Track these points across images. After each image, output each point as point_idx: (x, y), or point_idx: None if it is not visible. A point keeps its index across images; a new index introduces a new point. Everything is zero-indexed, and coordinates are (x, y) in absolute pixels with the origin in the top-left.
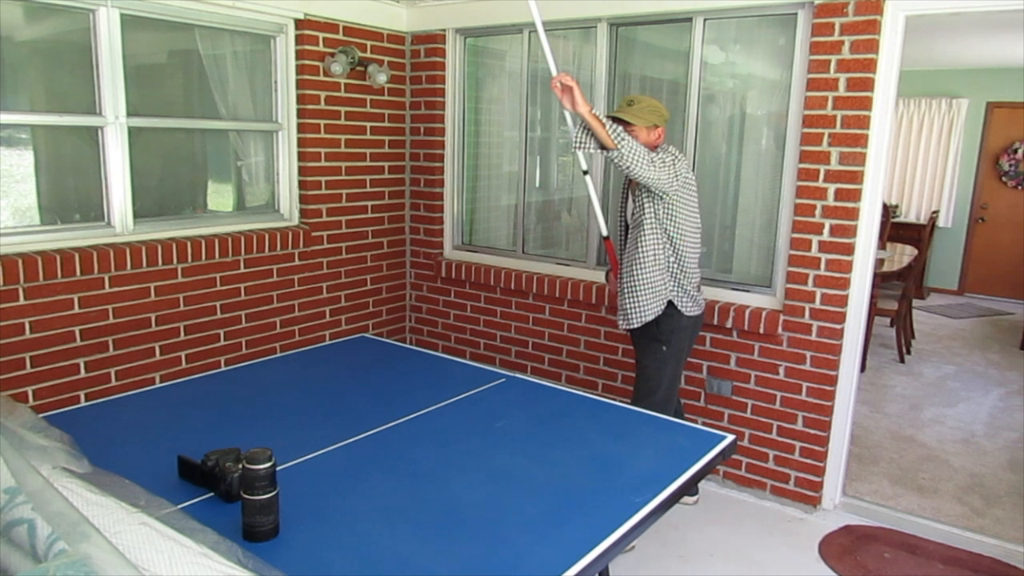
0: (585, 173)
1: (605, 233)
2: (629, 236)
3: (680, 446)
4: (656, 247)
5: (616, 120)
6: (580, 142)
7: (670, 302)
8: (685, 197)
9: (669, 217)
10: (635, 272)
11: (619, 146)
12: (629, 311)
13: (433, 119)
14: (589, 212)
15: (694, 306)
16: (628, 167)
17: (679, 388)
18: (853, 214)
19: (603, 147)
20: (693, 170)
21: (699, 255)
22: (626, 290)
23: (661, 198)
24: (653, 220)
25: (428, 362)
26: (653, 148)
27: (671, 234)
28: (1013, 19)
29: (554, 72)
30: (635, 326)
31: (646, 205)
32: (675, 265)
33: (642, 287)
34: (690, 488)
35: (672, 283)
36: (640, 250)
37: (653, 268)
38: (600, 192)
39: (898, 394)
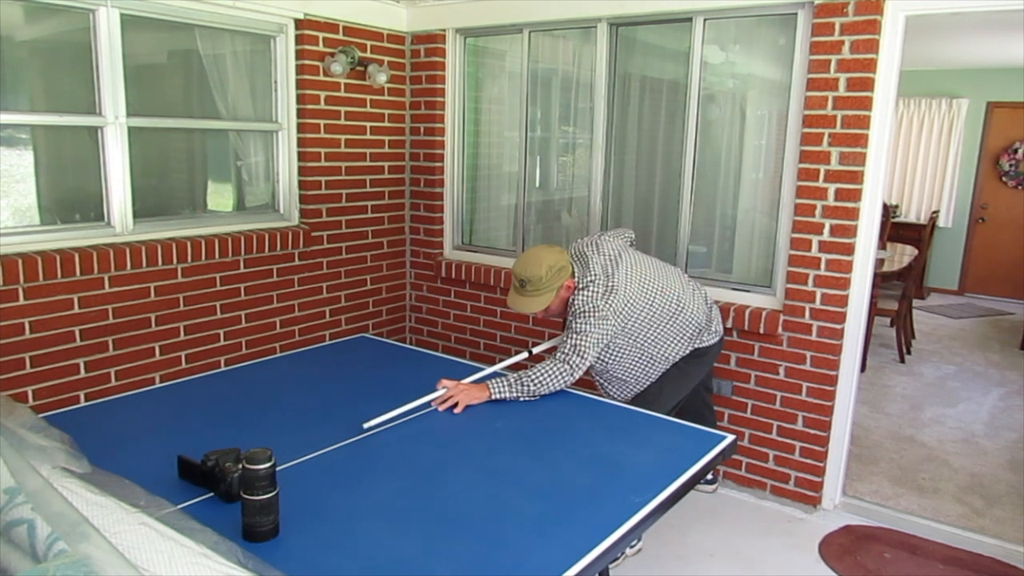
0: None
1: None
2: None
3: (680, 446)
4: (636, 361)
5: (521, 307)
6: (509, 397)
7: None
8: (629, 313)
9: (629, 346)
10: (613, 382)
11: (536, 393)
12: (613, 395)
13: (433, 119)
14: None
15: (710, 338)
16: (550, 392)
17: (677, 407)
18: (853, 214)
19: (524, 395)
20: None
21: (685, 306)
22: (605, 385)
23: (607, 347)
24: (615, 352)
25: (428, 362)
26: (568, 297)
27: (640, 341)
28: (1013, 19)
29: (430, 397)
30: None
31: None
32: (663, 345)
33: (626, 383)
34: (697, 482)
35: (664, 362)
36: (619, 374)
37: (634, 378)
38: (602, 190)
39: (898, 394)
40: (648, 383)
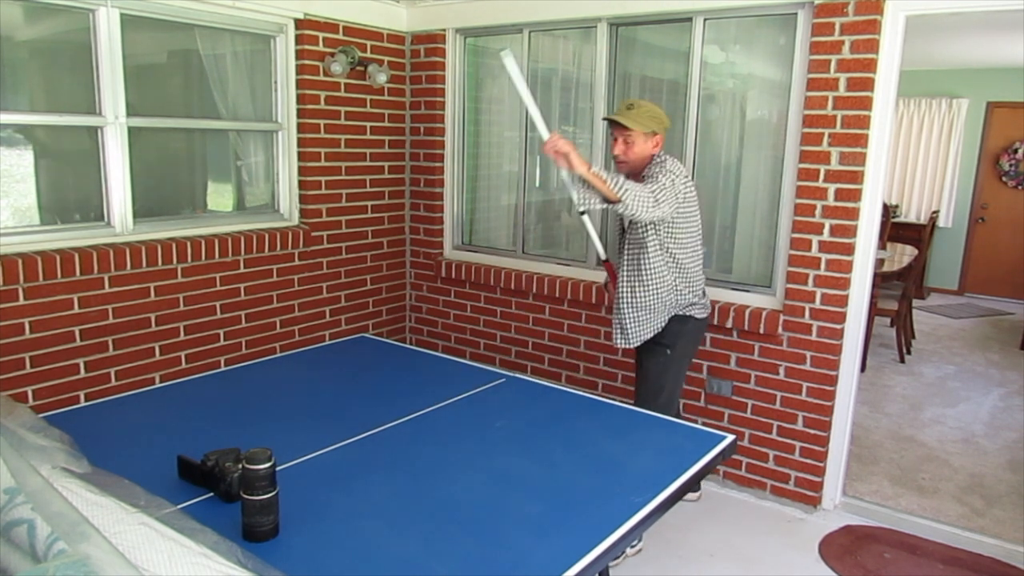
0: (582, 214)
1: (604, 257)
2: (628, 252)
3: (680, 446)
4: (660, 268)
5: (612, 123)
6: (583, 200)
7: (674, 315)
8: (686, 212)
9: (671, 237)
10: (638, 294)
11: (623, 198)
12: (629, 331)
13: (433, 119)
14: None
15: (700, 310)
16: (634, 215)
17: (682, 391)
18: (853, 214)
19: (607, 201)
20: (692, 177)
21: (702, 260)
22: (625, 309)
23: (663, 220)
24: (656, 243)
25: (428, 362)
26: (649, 157)
27: (674, 252)
28: (1013, 19)
29: (545, 136)
30: (634, 345)
31: (648, 229)
32: (680, 280)
33: (644, 309)
34: (692, 486)
35: (675, 298)
36: (643, 272)
37: (658, 289)
38: None
39: (898, 394)
40: (659, 326)
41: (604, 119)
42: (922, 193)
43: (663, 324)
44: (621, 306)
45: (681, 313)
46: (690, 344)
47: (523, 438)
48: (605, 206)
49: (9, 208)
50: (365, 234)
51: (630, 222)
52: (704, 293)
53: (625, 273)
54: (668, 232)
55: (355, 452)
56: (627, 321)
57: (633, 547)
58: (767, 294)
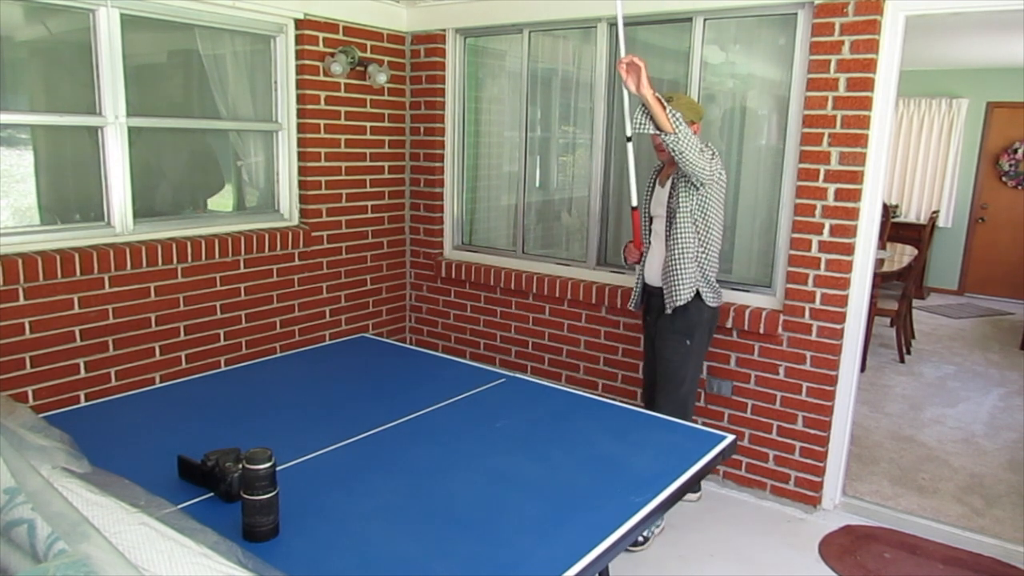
0: (628, 140)
1: (635, 203)
2: (654, 227)
3: (680, 446)
4: (688, 238)
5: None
6: (639, 123)
7: (697, 292)
8: (718, 193)
9: (701, 210)
10: (670, 260)
11: (677, 130)
12: (670, 291)
13: (433, 119)
14: (592, 205)
15: (715, 297)
16: (681, 152)
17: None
18: (853, 214)
19: (660, 130)
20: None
21: (719, 250)
22: (664, 275)
23: (697, 189)
24: (686, 212)
25: (428, 362)
26: None
27: (699, 227)
28: (1013, 19)
29: (623, 53)
30: (670, 310)
31: (682, 196)
32: (702, 255)
33: (677, 275)
34: (692, 486)
35: (699, 273)
36: (674, 239)
37: (685, 256)
38: (602, 190)
39: (898, 394)
40: (690, 294)
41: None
42: (922, 193)
43: (691, 295)
44: (666, 269)
45: (702, 296)
46: (707, 333)
47: (523, 438)
48: (658, 135)
49: (9, 208)
50: (365, 234)
51: (667, 191)
52: (717, 282)
53: (652, 244)
54: (699, 205)
55: (355, 452)
56: (671, 281)
57: (658, 527)
58: (767, 294)
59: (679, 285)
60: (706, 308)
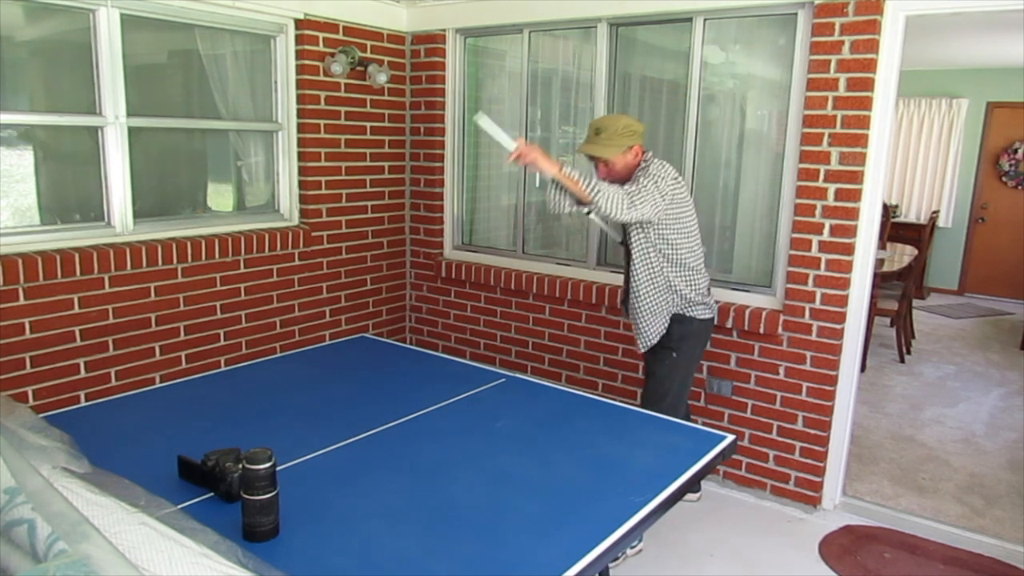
0: (588, 213)
1: (620, 239)
2: (628, 255)
3: (680, 446)
4: (652, 271)
5: (587, 155)
6: (556, 203)
7: (676, 313)
8: (677, 212)
9: (661, 238)
10: (634, 298)
11: (595, 200)
12: (642, 331)
13: (433, 119)
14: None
15: (705, 310)
16: (609, 215)
17: (689, 393)
18: (853, 214)
19: (581, 202)
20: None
21: (703, 260)
22: (635, 310)
23: (651, 222)
24: (646, 244)
25: (428, 362)
26: (633, 168)
27: (667, 253)
28: (1013, 19)
29: (509, 147)
30: (642, 350)
31: (636, 232)
32: (678, 279)
33: (643, 313)
34: (692, 486)
35: (674, 298)
36: (636, 276)
37: (650, 292)
38: None
39: (898, 394)
40: (662, 329)
41: (577, 152)
42: (922, 193)
43: (664, 327)
44: (632, 308)
45: (685, 313)
46: (696, 346)
47: (523, 438)
48: (575, 208)
49: (9, 208)
50: (365, 234)
51: (625, 226)
52: (709, 292)
53: (630, 275)
54: (658, 234)
55: (355, 452)
56: (640, 322)
57: (633, 547)
58: (767, 294)
59: (646, 327)
60: (696, 321)
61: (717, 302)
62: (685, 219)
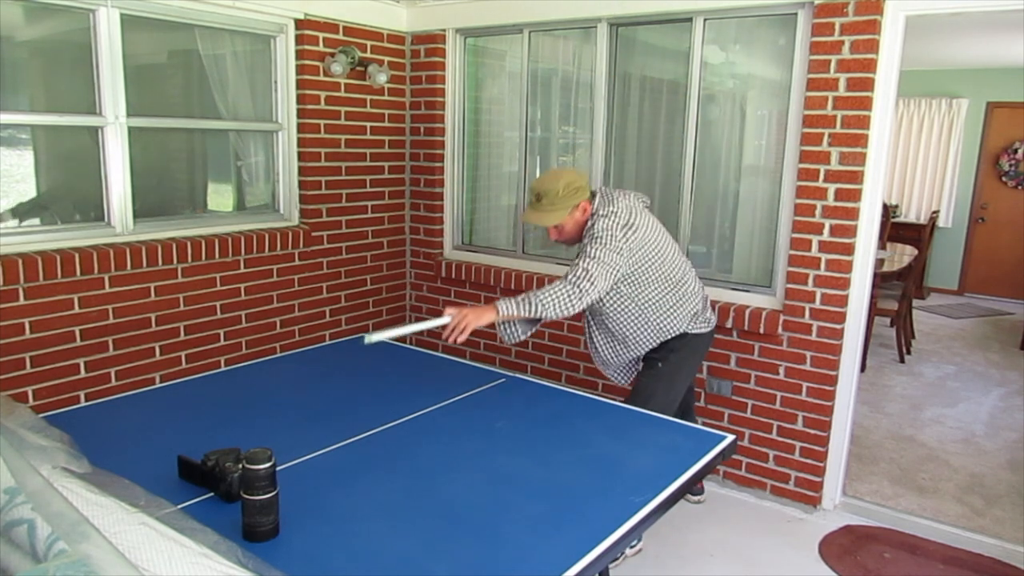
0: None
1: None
2: (590, 314)
3: (680, 446)
4: (630, 320)
5: (535, 221)
6: (512, 336)
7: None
8: (645, 257)
9: (634, 287)
10: (618, 350)
11: (544, 315)
12: (622, 376)
13: (433, 119)
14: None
15: (700, 326)
16: (560, 316)
17: (675, 406)
18: (853, 214)
19: (536, 321)
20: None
21: (687, 281)
22: (611, 363)
23: (619, 281)
24: (614, 304)
25: (428, 362)
26: (585, 222)
27: (641, 300)
28: (1013, 19)
29: (438, 323)
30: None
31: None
32: (660, 315)
33: (626, 361)
34: (692, 487)
35: (656, 335)
36: (612, 330)
37: (631, 337)
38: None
39: (898, 394)
40: (637, 352)
41: (522, 220)
42: (922, 193)
43: (631, 374)
44: (608, 360)
45: (676, 332)
46: (688, 358)
47: (523, 438)
48: (531, 330)
49: (9, 208)
50: (365, 234)
51: None
52: (704, 307)
53: (596, 330)
54: (630, 286)
55: (355, 452)
56: (615, 373)
57: (632, 547)
58: (767, 294)
59: (624, 373)
60: (689, 335)
61: (714, 302)
62: (654, 259)
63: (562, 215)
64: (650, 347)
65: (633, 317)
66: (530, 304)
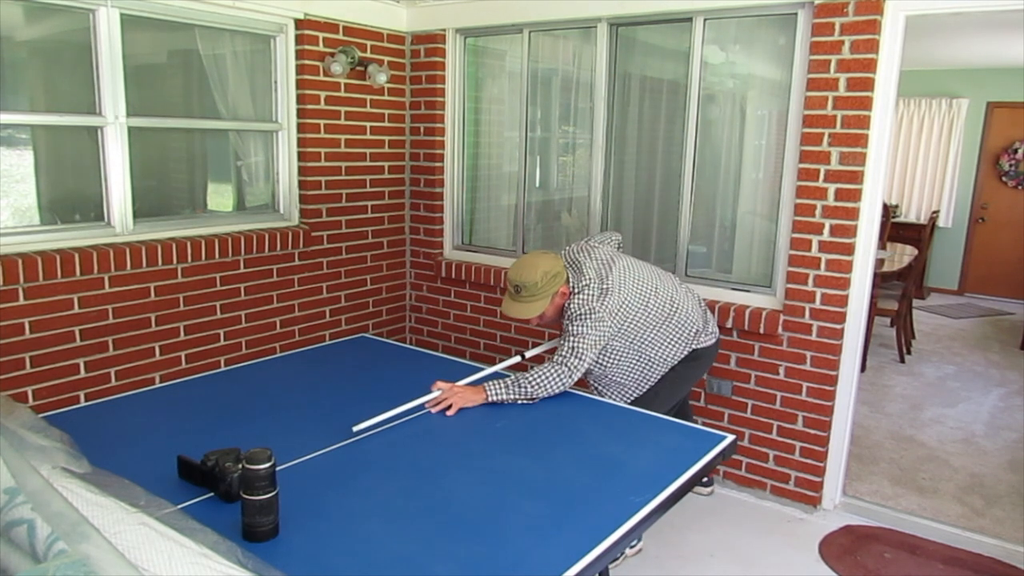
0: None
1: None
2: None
3: (680, 446)
4: (634, 364)
5: (515, 314)
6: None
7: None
8: (625, 313)
9: (628, 344)
10: (624, 392)
11: (534, 396)
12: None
13: (433, 119)
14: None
15: (706, 339)
16: (559, 392)
17: (675, 408)
18: (853, 214)
19: (529, 399)
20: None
21: (678, 308)
22: (603, 390)
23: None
24: (605, 363)
25: (428, 362)
26: (563, 304)
27: (638, 344)
28: (1013, 19)
29: (426, 399)
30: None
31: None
32: (660, 348)
33: (626, 393)
34: (695, 484)
35: (663, 364)
36: (607, 385)
37: (629, 381)
38: (602, 190)
39: (898, 394)
40: (647, 386)
41: (503, 313)
42: (922, 193)
43: (654, 380)
44: (597, 387)
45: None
46: (694, 368)
47: (523, 438)
48: (528, 401)
49: (9, 208)
50: (365, 234)
51: None
52: (706, 322)
53: (603, 388)
54: (622, 339)
55: (355, 452)
56: (607, 393)
57: (632, 547)
58: (767, 294)
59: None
60: (697, 350)
61: (714, 302)
62: (637, 307)
63: (543, 304)
64: (661, 375)
65: (634, 363)
66: (520, 387)
